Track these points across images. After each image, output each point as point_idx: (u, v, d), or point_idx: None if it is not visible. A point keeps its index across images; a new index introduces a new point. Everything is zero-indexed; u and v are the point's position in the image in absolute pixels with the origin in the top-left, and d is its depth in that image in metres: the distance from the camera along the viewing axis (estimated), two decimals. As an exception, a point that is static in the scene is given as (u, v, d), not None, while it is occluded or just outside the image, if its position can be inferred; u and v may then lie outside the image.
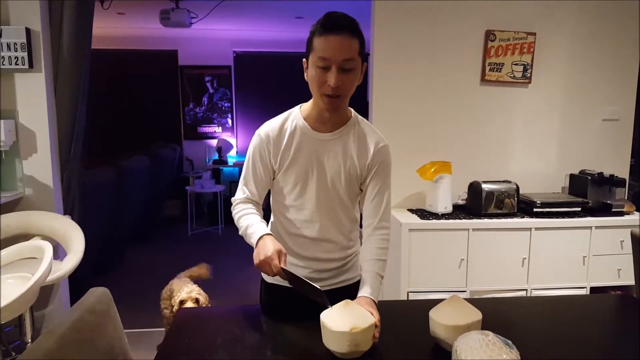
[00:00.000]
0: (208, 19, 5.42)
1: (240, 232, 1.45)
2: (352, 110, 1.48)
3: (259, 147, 1.45)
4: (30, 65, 2.62)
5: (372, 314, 1.24)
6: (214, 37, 6.48)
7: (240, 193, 1.51)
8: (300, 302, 1.38)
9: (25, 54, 2.59)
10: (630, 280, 2.65)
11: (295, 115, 1.46)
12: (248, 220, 1.43)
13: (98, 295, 1.20)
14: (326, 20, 1.29)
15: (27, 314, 2.19)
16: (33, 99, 2.68)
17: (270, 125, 1.46)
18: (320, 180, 1.44)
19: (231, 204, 1.54)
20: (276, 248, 1.30)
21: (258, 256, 1.31)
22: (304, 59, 1.38)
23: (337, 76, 1.29)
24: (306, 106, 1.46)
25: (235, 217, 1.49)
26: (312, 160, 1.43)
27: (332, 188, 1.44)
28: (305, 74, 1.38)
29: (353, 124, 1.46)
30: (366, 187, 1.47)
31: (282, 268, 1.28)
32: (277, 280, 1.52)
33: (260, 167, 1.47)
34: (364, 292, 1.36)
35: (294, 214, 1.48)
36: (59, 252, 2.61)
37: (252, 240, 1.37)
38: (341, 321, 1.17)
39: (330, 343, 1.18)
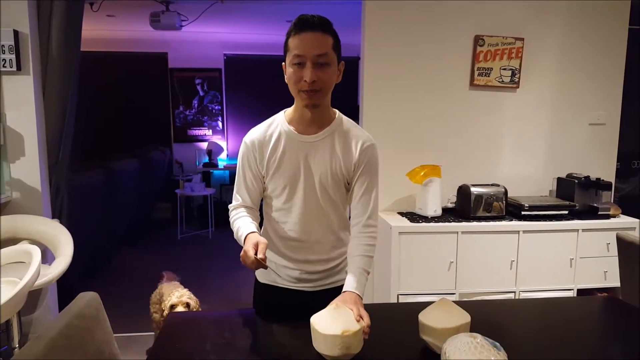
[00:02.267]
0: (198, 21, 5.41)
1: (234, 237, 1.47)
2: (336, 111, 1.50)
3: (246, 154, 1.48)
4: (19, 68, 2.60)
5: (360, 314, 1.24)
6: (204, 40, 6.46)
7: (234, 200, 1.54)
8: (293, 301, 1.38)
9: (13, 57, 2.56)
10: (616, 282, 2.68)
11: (280, 120, 1.48)
12: (238, 224, 1.46)
13: (87, 300, 1.20)
14: (299, 21, 1.35)
15: (15, 319, 2.16)
16: (21, 102, 2.65)
17: (255, 132, 1.49)
18: (308, 183, 1.45)
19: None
20: (253, 242, 1.31)
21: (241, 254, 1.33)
22: (283, 63, 1.40)
23: (312, 71, 1.32)
24: (290, 110, 1.48)
25: (230, 223, 1.52)
26: (299, 164, 1.44)
27: (320, 189, 1.45)
28: (285, 78, 1.40)
29: (337, 124, 1.47)
30: (353, 186, 1.48)
31: (259, 258, 1.26)
32: (269, 280, 1.57)
33: (249, 174, 1.49)
34: (349, 286, 1.37)
35: (283, 217, 1.49)
36: (47, 256, 2.59)
37: (242, 242, 1.40)
38: (332, 324, 1.17)
39: (321, 346, 1.19)
